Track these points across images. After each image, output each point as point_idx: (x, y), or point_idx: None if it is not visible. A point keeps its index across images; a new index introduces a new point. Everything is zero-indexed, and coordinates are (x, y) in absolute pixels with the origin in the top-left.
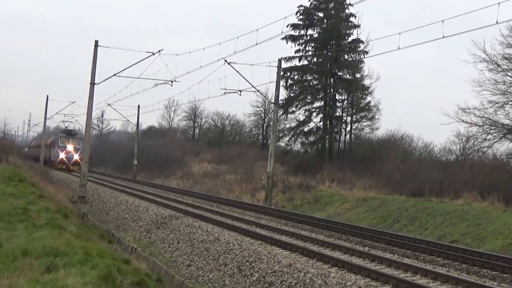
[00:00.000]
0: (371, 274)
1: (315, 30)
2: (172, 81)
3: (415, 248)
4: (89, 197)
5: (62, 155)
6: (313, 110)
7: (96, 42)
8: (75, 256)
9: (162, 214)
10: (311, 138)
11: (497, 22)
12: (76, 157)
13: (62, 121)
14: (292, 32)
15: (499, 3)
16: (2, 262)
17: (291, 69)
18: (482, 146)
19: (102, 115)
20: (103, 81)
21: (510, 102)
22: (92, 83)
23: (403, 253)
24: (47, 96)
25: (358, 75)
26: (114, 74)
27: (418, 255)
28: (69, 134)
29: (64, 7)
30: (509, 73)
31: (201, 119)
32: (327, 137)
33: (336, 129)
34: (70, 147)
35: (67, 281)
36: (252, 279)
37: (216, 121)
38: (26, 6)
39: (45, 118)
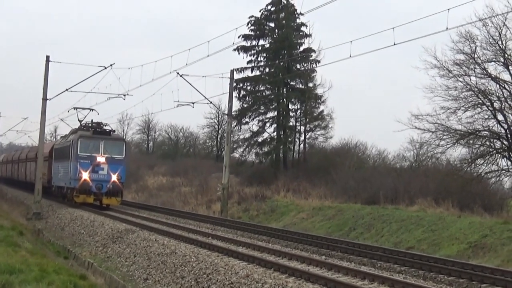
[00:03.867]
0: (329, 283)
1: (267, 40)
2: (124, 95)
3: (372, 256)
4: (44, 213)
5: (85, 175)
6: (266, 120)
7: (48, 57)
8: (31, 273)
9: (118, 229)
10: (265, 149)
11: (447, 28)
12: (114, 178)
13: (74, 108)
14: (244, 43)
15: (448, 9)
16: None
17: (243, 80)
18: (435, 152)
19: (55, 131)
20: (55, 96)
21: (462, 108)
22: (44, 99)
23: (360, 261)
24: None
25: (310, 84)
26: (67, 89)
27: (375, 262)
28: (98, 132)
29: (12, 20)
30: (460, 79)
31: (155, 132)
32: (281, 147)
33: (290, 139)
34: (101, 159)
35: None
36: None
37: (170, 134)
38: None
39: None
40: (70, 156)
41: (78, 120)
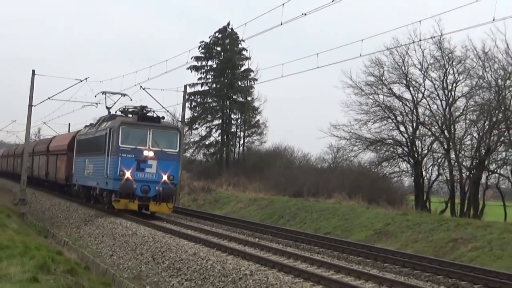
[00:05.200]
0: (261, 261)
1: (214, 61)
2: (96, 103)
3: (296, 239)
4: (28, 199)
5: (128, 174)
6: (213, 127)
7: (33, 71)
8: (16, 249)
9: (89, 213)
10: (211, 150)
11: (361, 55)
12: (165, 178)
13: (102, 93)
14: (195, 63)
15: (362, 40)
16: None
17: (194, 93)
18: (349, 155)
19: (39, 132)
20: (40, 103)
21: (371, 120)
22: (30, 105)
23: (286, 243)
24: None
25: (249, 98)
26: (49, 98)
27: (299, 244)
28: (145, 118)
29: (4, 42)
30: (370, 97)
31: None
32: (224, 149)
33: (231, 143)
34: (149, 153)
35: (9, 270)
36: (163, 266)
37: None
38: None
39: None
40: (107, 148)
41: (106, 107)
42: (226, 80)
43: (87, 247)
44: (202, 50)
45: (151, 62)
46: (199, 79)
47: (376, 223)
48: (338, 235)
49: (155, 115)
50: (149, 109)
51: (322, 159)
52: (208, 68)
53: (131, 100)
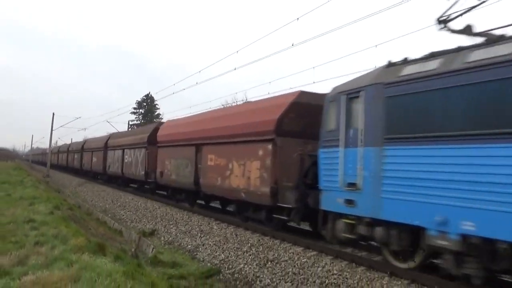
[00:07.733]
0: (165, 201)
1: (142, 110)
2: (84, 129)
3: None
4: (51, 175)
5: None
6: None
7: (53, 114)
8: (43, 198)
9: (81, 181)
10: None
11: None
12: None
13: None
14: (134, 110)
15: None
16: (10, 202)
17: (133, 125)
18: None
19: (56, 143)
20: (56, 129)
21: None
22: (51, 130)
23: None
24: (32, 135)
25: None
26: (61, 126)
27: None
28: None
29: (30, 91)
30: None
31: None
32: None
33: None
34: None
35: (39, 208)
36: (117, 205)
37: None
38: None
39: (31, 145)
40: None
41: None
42: (148, 119)
43: (80, 197)
44: (136, 104)
45: (111, 109)
46: (135, 117)
47: None
48: None
49: None
50: None
51: None
52: (139, 113)
53: None
